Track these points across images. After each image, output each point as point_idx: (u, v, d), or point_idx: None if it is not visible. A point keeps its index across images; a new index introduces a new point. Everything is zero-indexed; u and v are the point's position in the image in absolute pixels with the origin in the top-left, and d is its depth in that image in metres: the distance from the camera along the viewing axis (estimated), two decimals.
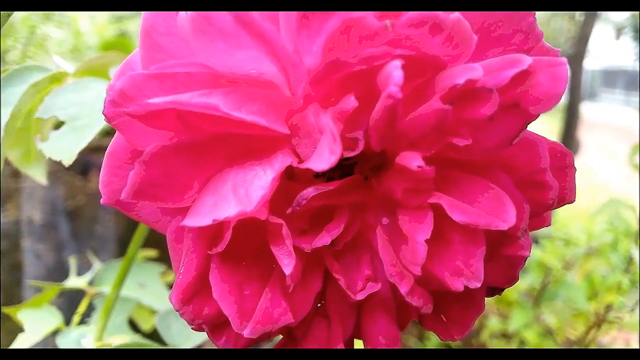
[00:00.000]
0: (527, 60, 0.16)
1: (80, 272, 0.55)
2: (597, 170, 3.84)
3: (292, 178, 0.21)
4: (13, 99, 0.34)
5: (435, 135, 0.17)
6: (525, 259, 0.19)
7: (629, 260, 0.84)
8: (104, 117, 0.19)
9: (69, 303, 0.62)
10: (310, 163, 0.17)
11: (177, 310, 0.20)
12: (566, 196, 0.20)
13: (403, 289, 0.18)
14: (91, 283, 0.52)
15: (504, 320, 1.00)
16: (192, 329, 0.22)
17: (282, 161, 0.18)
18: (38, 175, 0.41)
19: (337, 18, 0.16)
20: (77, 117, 0.31)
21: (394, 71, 0.15)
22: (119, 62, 0.36)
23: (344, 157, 0.18)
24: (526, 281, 0.90)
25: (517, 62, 0.16)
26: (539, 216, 0.20)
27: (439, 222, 0.19)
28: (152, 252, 0.57)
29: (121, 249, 0.84)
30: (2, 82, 0.35)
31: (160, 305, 0.48)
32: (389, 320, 0.22)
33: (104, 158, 0.22)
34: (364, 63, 0.16)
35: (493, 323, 0.96)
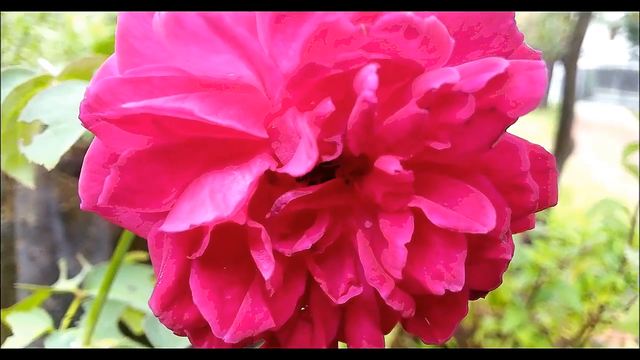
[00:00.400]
0: (503, 64, 0.15)
1: (73, 274, 0.55)
2: (593, 169, 3.85)
3: (274, 182, 0.21)
4: None
5: (412, 139, 0.17)
6: (507, 262, 0.19)
7: (623, 261, 0.85)
8: (81, 122, 0.19)
9: (63, 305, 0.61)
10: (288, 168, 0.17)
11: (156, 316, 0.20)
12: (548, 199, 0.20)
13: (383, 293, 0.18)
14: (81, 286, 0.52)
15: (498, 321, 1.00)
16: (174, 333, 0.21)
17: (260, 165, 0.18)
18: (25, 179, 0.41)
19: (311, 22, 0.16)
20: (60, 121, 0.30)
21: (369, 75, 0.15)
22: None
23: (323, 161, 0.18)
24: (520, 281, 0.90)
25: (493, 66, 0.16)
26: (521, 219, 0.20)
27: (420, 225, 0.18)
28: (142, 255, 0.57)
29: (115, 252, 0.83)
30: None
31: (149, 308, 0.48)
32: (372, 324, 0.21)
33: (83, 162, 0.22)
34: (340, 67, 0.16)
35: (487, 323, 0.96)
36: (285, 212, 0.18)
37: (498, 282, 0.20)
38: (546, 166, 0.20)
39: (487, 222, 0.17)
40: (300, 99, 0.18)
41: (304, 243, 0.19)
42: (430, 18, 0.16)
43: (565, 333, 1.10)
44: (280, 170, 0.18)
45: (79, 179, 0.30)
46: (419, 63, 0.16)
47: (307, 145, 0.16)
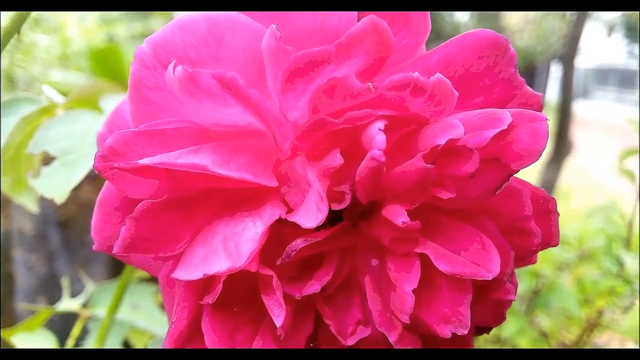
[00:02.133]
0: (507, 119, 0.16)
1: (72, 284, 0.55)
2: (591, 168, 3.86)
3: (282, 222, 0.21)
4: (3, 131, 0.34)
5: (419, 190, 0.17)
6: (511, 301, 0.20)
7: (620, 265, 0.85)
8: (95, 170, 0.19)
9: (62, 322, 0.62)
10: (299, 218, 0.18)
11: None
12: (550, 240, 0.20)
13: (392, 338, 0.19)
14: (85, 305, 0.52)
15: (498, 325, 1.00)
16: None
17: (271, 213, 0.18)
18: (29, 203, 0.41)
19: (320, 78, 0.16)
20: (68, 152, 0.31)
21: (377, 135, 0.15)
22: (108, 91, 0.37)
23: (333, 209, 0.18)
24: (520, 287, 0.90)
25: (497, 121, 0.16)
26: (525, 259, 0.21)
27: (427, 268, 0.19)
28: (144, 273, 0.57)
29: (112, 259, 0.83)
30: None
31: (154, 327, 0.49)
32: None
33: (96, 205, 0.22)
34: (348, 123, 0.16)
35: None
36: (295, 258, 0.19)
37: (502, 319, 0.21)
38: (548, 208, 0.20)
39: (491, 268, 0.18)
40: (309, 148, 0.18)
41: (313, 287, 0.19)
42: (435, 76, 0.16)
43: (565, 337, 1.10)
44: (291, 219, 0.18)
45: (75, 187, 0.31)
46: (425, 116, 0.17)
47: (318, 199, 0.16)
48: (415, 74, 0.16)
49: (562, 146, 1.85)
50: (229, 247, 0.18)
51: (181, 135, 0.18)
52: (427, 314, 0.19)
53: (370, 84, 0.16)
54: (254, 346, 0.20)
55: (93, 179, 0.30)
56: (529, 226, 0.19)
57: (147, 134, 0.18)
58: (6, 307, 0.97)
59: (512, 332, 0.87)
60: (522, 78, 0.20)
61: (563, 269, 0.99)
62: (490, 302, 0.20)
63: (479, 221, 0.19)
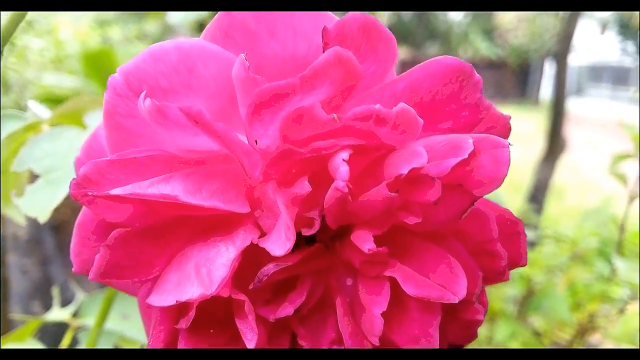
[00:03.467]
0: (469, 148, 0.16)
1: (67, 291, 0.55)
2: (585, 166, 3.87)
3: (255, 245, 0.21)
4: None
5: (385, 216, 0.18)
6: (480, 321, 0.20)
7: (613, 269, 0.86)
8: (71, 196, 0.20)
9: (54, 331, 0.62)
10: (269, 245, 0.18)
11: None
12: (518, 261, 0.21)
13: None
14: (75, 315, 0.53)
15: (491, 327, 1.01)
16: None
17: (243, 239, 0.19)
18: (17, 216, 0.42)
19: (287, 109, 0.17)
20: (52, 169, 0.31)
21: (340, 167, 0.16)
22: (91, 107, 0.37)
23: (303, 235, 0.19)
24: (512, 290, 0.91)
25: (459, 150, 0.16)
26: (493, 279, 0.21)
27: (397, 289, 0.19)
28: None
29: None
30: None
31: (144, 336, 0.49)
32: None
33: (74, 228, 0.22)
34: (314, 152, 0.17)
35: (480, 331, 0.97)
36: (268, 282, 0.19)
37: (473, 337, 0.21)
38: (515, 230, 0.21)
39: (458, 290, 0.18)
40: (280, 174, 0.19)
41: (287, 309, 0.20)
42: (398, 106, 0.17)
43: (558, 337, 1.11)
44: (261, 245, 0.19)
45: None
46: (389, 144, 0.17)
47: (286, 228, 0.17)
48: (377, 106, 0.16)
49: (556, 144, 1.85)
50: (201, 274, 0.18)
51: (154, 162, 0.19)
52: (397, 334, 0.19)
53: (335, 114, 0.16)
54: None
55: None
56: (495, 248, 0.19)
57: (120, 162, 0.18)
58: (1, 312, 0.97)
59: (504, 336, 0.88)
60: (488, 102, 0.20)
61: (555, 271, 0.99)
62: (460, 321, 0.20)
63: (448, 243, 0.20)
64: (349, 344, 0.19)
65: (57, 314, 0.53)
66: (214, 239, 0.19)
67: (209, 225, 0.20)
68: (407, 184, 0.17)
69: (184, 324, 0.19)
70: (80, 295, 0.55)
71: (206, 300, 0.19)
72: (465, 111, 0.19)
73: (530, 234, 1.15)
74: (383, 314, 0.19)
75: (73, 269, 0.22)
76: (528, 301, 0.89)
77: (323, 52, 0.17)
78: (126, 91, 0.19)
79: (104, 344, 0.49)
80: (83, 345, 0.49)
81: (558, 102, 1.86)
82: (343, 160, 0.16)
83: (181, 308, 0.20)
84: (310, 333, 0.21)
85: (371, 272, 0.19)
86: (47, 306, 0.55)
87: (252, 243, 0.21)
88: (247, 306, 0.19)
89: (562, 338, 1.08)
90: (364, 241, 0.18)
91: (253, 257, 0.21)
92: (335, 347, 0.21)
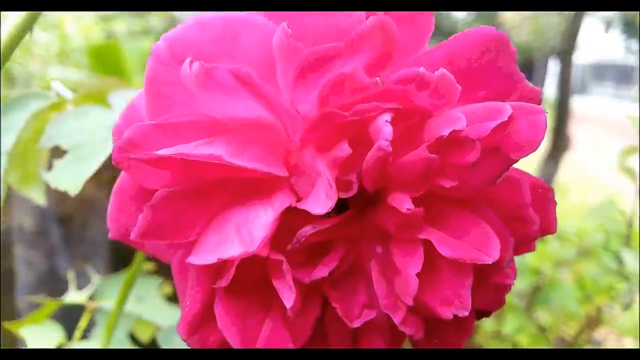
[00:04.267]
0: (507, 111, 0.17)
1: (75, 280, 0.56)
2: (589, 164, 3.87)
3: (292, 211, 0.22)
4: (14, 126, 0.35)
5: (423, 179, 0.18)
6: (510, 286, 0.21)
7: (620, 262, 0.86)
8: (113, 161, 0.20)
9: (66, 314, 0.63)
10: (308, 205, 0.19)
11: (184, 340, 0.22)
12: (548, 228, 0.21)
13: (396, 319, 0.20)
14: (91, 297, 0.53)
15: (498, 321, 1.01)
16: None
17: (281, 201, 0.19)
18: (37, 196, 0.42)
19: (330, 74, 0.17)
20: (80, 146, 0.32)
21: (384, 127, 0.16)
22: (115, 87, 0.37)
23: (340, 197, 0.19)
24: (520, 284, 0.92)
25: (498, 113, 0.17)
26: (524, 245, 0.22)
27: (430, 253, 0.20)
28: (148, 265, 0.58)
29: (113, 255, 0.84)
30: (3, 109, 0.36)
31: (160, 318, 0.50)
32: (383, 343, 0.23)
33: (112, 194, 0.23)
34: (356, 115, 0.17)
35: (488, 325, 0.98)
36: (304, 244, 0.20)
37: (502, 303, 0.22)
38: (546, 197, 0.21)
39: (492, 253, 0.19)
40: (318, 139, 0.19)
41: (322, 271, 0.20)
42: (440, 71, 0.17)
43: (564, 332, 1.11)
44: (301, 206, 0.19)
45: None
46: (429, 109, 0.18)
47: (327, 187, 0.17)
48: (421, 69, 0.17)
49: (560, 142, 1.86)
50: (242, 233, 0.19)
51: (195, 127, 0.19)
52: (430, 296, 0.20)
53: (377, 78, 0.17)
54: (264, 329, 0.21)
55: (93, 176, 0.30)
56: (528, 214, 0.20)
57: (163, 126, 0.19)
58: (7, 303, 0.98)
59: (512, 329, 0.88)
60: (521, 73, 0.20)
61: (563, 265, 1.00)
62: (490, 286, 0.21)
63: (480, 209, 0.20)
64: (383, 304, 0.20)
65: (74, 296, 0.53)
66: (253, 203, 0.20)
67: (248, 190, 0.20)
68: (447, 147, 0.17)
69: (223, 282, 0.20)
70: (95, 279, 0.56)
71: (243, 261, 0.20)
72: (500, 80, 0.20)
73: None
74: (417, 275, 0.19)
75: (109, 235, 0.23)
76: (536, 295, 0.89)
77: (366, 19, 0.18)
78: (169, 59, 0.19)
79: (121, 326, 0.49)
80: (101, 326, 0.50)
81: (562, 100, 1.87)
82: (386, 121, 0.16)
83: (219, 269, 0.20)
84: (342, 297, 0.22)
85: (405, 235, 0.20)
86: (53, 297, 0.56)
87: (286, 210, 0.21)
88: (285, 266, 0.19)
89: (568, 334, 1.09)
90: (402, 202, 0.18)
91: (286, 224, 0.21)
92: (366, 311, 0.22)
